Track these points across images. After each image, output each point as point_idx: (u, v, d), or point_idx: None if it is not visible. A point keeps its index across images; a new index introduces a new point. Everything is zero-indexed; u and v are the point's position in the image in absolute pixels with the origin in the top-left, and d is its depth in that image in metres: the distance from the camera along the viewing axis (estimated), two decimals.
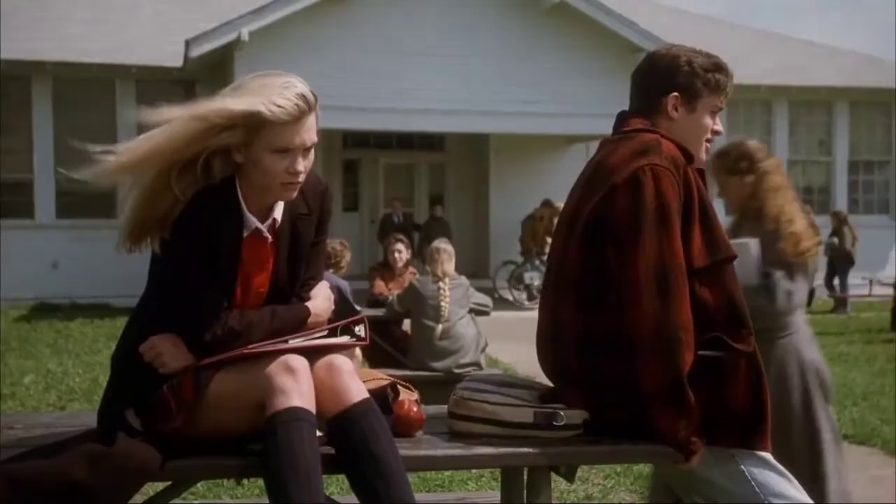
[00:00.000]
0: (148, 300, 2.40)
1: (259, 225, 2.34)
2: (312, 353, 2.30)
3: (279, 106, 2.20)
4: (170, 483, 2.32)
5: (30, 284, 14.07)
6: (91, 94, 14.77)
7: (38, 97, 14.71)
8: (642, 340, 2.31)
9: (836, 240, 14.97)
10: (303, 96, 2.24)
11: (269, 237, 2.36)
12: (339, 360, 2.31)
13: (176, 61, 14.15)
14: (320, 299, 2.46)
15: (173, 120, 2.21)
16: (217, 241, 2.28)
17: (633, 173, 2.37)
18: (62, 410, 6.63)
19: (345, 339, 2.40)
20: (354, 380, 2.29)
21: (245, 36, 12.58)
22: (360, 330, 2.42)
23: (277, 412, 2.14)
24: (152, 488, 2.38)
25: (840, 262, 14.96)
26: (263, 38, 12.57)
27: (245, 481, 4.13)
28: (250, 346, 2.26)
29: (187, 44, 12.93)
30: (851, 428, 6.28)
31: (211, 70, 13.99)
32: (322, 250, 2.53)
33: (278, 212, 2.38)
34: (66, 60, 14.52)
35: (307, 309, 2.41)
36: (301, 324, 2.37)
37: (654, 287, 2.31)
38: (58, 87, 14.76)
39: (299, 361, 2.22)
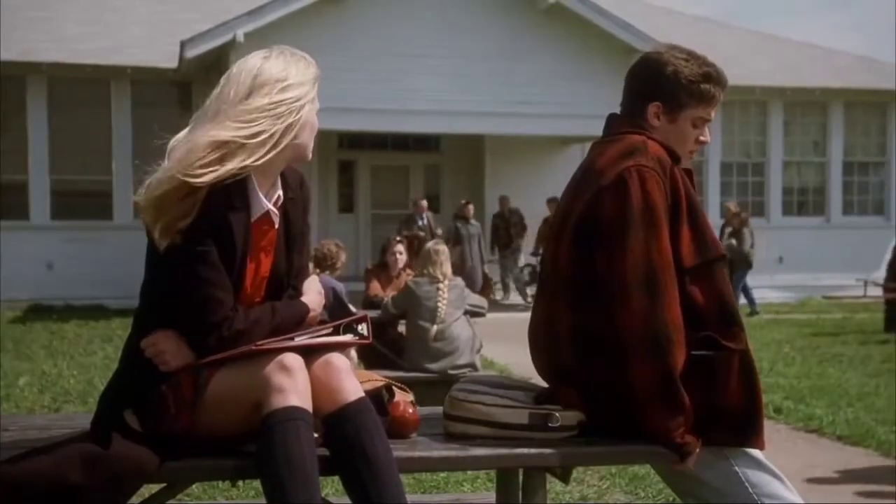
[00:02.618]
0: (148, 296, 2.36)
1: (269, 206, 2.33)
2: (313, 351, 2.29)
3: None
4: (164, 484, 2.32)
5: (24, 286, 14.02)
6: (86, 94, 14.75)
7: (33, 98, 14.67)
8: (632, 340, 2.32)
9: (733, 241, 14.05)
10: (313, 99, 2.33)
11: (276, 221, 2.35)
12: (336, 358, 2.30)
13: (171, 62, 14.13)
14: (312, 294, 2.46)
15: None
16: (228, 232, 2.25)
17: (619, 175, 2.38)
18: (57, 412, 6.60)
19: (348, 337, 2.39)
20: (350, 378, 2.28)
21: (240, 37, 12.57)
22: (362, 328, 2.41)
23: (273, 411, 2.13)
24: (147, 490, 2.37)
25: (737, 264, 13.86)
26: (259, 39, 12.53)
27: (240, 483, 4.12)
28: (257, 344, 2.23)
29: (182, 45, 12.92)
30: (846, 429, 6.29)
31: (206, 71, 13.97)
32: (306, 241, 2.52)
33: (280, 187, 2.38)
34: (62, 61, 14.49)
35: (305, 305, 2.40)
36: (301, 321, 2.37)
37: (642, 286, 2.32)
38: (53, 88, 14.73)
39: (295, 360, 2.21)
